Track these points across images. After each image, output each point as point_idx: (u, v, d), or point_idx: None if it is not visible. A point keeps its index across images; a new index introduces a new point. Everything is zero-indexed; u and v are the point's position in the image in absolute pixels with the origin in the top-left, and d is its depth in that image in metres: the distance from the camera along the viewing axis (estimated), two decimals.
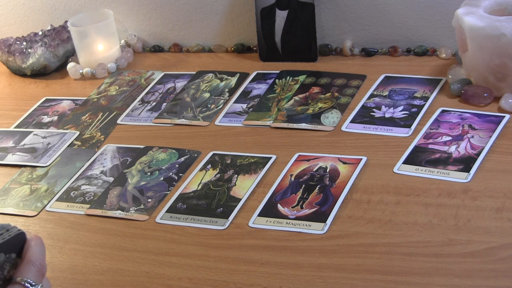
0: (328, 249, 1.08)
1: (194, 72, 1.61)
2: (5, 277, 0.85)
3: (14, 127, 1.53)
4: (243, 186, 1.24)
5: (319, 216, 1.14)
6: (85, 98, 1.59)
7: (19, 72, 1.72)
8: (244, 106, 1.46)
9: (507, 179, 1.15)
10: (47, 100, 1.61)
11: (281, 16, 1.57)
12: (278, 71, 1.56)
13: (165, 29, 1.73)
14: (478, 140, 1.24)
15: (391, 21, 1.55)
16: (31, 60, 1.69)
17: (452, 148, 1.23)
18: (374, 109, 1.38)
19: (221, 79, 1.57)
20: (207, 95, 1.52)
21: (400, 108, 1.37)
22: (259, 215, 1.17)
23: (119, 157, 1.37)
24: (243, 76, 1.57)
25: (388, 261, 1.04)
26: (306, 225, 1.13)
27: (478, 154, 1.21)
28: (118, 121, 1.49)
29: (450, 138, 1.26)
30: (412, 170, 1.21)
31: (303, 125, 1.37)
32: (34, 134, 1.48)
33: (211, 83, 1.56)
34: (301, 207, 1.17)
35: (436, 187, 1.16)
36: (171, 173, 1.30)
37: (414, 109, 1.36)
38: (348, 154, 1.27)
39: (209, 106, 1.48)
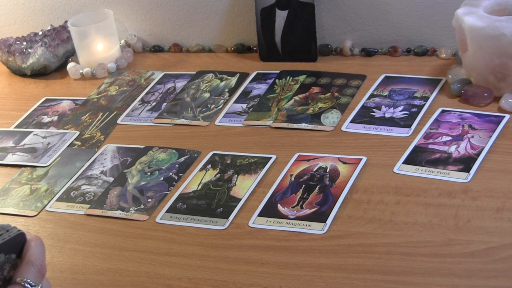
0: (328, 249, 1.08)
1: (194, 72, 1.61)
2: (5, 278, 0.85)
3: (14, 127, 1.53)
4: (243, 186, 1.24)
5: (319, 216, 1.14)
6: (85, 98, 1.59)
7: (19, 72, 1.72)
8: (244, 106, 1.46)
9: (507, 179, 1.15)
10: (47, 100, 1.61)
11: (281, 16, 1.57)
12: (278, 71, 1.56)
13: (165, 29, 1.73)
14: (478, 140, 1.24)
15: (391, 21, 1.55)
16: (31, 60, 1.69)
17: (452, 148, 1.23)
18: (374, 109, 1.38)
19: (221, 79, 1.57)
20: (207, 95, 1.52)
21: (400, 108, 1.37)
22: (259, 215, 1.17)
23: (119, 157, 1.37)
24: (243, 76, 1.57)
25: (388, 261, 1.04)
26: (306, 225, 1.13)
27: (478, 154, 1.21)
28: (118, 121, 1.49)
29: (450, 138, 1.26)
30: (412, 170, 1.21)
31: (303, 125, 1.37)
32: (34, 134, 1.48)
33: (211, 83, 1.56)
34: (301, 207, 1.17)
35: (436, 187, 1.16)
36: (171, 173, 1.30)
37: (414, 109, 1.36)
38: (348, 154, 1.27)
39: (209, 106, 1.48)
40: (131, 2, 1.72)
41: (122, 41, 1.74)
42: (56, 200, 1.29)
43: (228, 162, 1.30)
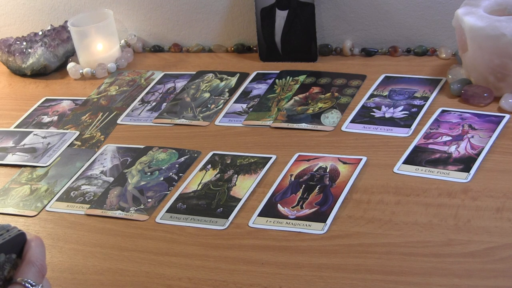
0: (328, 249, 1.08)
1: (194, 72, 1.61)
2: (5, 278, 0.85)
3: (14, 127, 1.53)
4: (243, 186, 1.24)
5: (319, 216, 1.14)
6: (85, 98, 1.59)
7: (19, 72, 1.72)
8: (244, 106, 1.46)
9: (507, 179, 1.15)
10: (47, 100, 1.61)
11: (281, 16, 1.57)
12: (278, 71, 1.56)
13: (165, 29, 1.73)
14: (478, 140, 1.24)
15: (391, 21, 1.55)
16: (31, 60, 1.69)
17: (452, 148, 1.23)
18: (374, 109, 1.38)
19: (221, 79, 1.57)
20: (207, 95, 1.52)
21: (400, 108, 1.37)
22: (259, 215, 1.17)
23: (119, 157, 1.37)
24: (243, 76, 1.57)
25: (388, 261, 1.04)
26: (306, 225, 1.13)
27: (478, 154, 1.21)
28: (118, 121, 1.49)
29: (450, 138, 1.26)
30: (412, 170, 1.21)
31: (303, 125, 1.37)
32: (34, 134, 1.48)
33: (211, 83, 1.56)
34: (301, 207, 1.17)
35: (436, 187, 1.16)
36: (171, 173, 1.30)
37: (414, 109, 1.36)
38: (348, 154, 1.27)
39: (209, 106, 1.48)
40: (131, 2, 1.72)
41: (122, 41, 1.74)
42: (56, 200, 1.29)
43: (228, 162, 1.30)
